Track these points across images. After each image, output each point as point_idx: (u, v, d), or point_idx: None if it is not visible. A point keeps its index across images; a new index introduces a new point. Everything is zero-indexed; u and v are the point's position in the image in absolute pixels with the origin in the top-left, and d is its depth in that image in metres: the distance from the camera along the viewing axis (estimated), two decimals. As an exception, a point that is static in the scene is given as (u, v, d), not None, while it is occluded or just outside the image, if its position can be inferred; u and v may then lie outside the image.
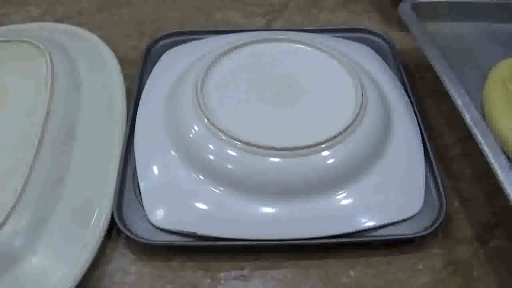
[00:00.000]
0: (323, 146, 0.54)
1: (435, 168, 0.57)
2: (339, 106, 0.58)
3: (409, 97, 0.65)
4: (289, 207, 0.53)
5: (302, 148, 0.53)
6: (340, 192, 0.54)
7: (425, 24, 0.67)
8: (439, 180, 0.57)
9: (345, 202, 0.54)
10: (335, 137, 0.54)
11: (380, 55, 0.71)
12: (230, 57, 0.63)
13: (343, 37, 0.73)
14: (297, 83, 0.61)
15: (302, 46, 0.65)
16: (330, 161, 0.54)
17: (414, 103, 0.64)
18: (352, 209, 0.54)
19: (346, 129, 0.55)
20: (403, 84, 0.66)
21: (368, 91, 0.59)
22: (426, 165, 0.58)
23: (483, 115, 0.58)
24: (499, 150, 0.52)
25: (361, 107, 0.57)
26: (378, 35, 0.74)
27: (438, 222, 0.53)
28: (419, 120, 0.62)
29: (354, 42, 0.72)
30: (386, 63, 0.70)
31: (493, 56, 0.65)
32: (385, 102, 0.62)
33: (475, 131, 0.53)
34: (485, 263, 0.53)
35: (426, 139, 0.60)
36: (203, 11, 0.82)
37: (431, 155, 0.59)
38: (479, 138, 0.53)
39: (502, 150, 0.53)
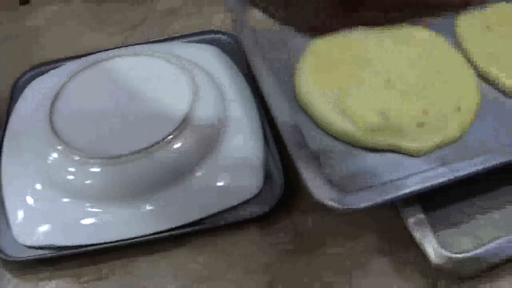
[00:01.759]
0: (155, 147, 0.58)
1: (274, 151, 0.62)
2: (172, 107, 0.62)
3: (252, 90, 0.68)
4: (131, 208, 0.58)
5: (130, 154, 0.57)
6: (178, 186, 0.58)
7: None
8: (278, 161, 0.61)
9: (186, 193, 0.58)
10: (164, 138, 0.58)
11: (230, 54, 0.74)
12: (77, 80, 0.66)
13: (195, 41, 0.76)
14: (137, 92, 0.65)
15: (140, 57, 0.68)
16: (159, 162, 0.58)
17: (258, 96, 0.67)
18: (195, 199, 0.58)
19: (179, 126, 0.59)
20: (249, 79, 0.69)
21: (202, 89, 0.63)
22: (266, 149, 0.63)
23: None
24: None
25: (192, 104, 0.61)
26: (228, 35, 0.77)
27: (279, 197, 0.58)
28: (261, 110, 0.66)
29: (202, 44, 0.76)
30: (236, 60, 0.73)
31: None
32: (223, 96, 0.65)
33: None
34: (332, 229, 0.58)
35: (266, 127, 0.64)
36: (70, 39, 0.84)
37: (270, 140, 0.63)
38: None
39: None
